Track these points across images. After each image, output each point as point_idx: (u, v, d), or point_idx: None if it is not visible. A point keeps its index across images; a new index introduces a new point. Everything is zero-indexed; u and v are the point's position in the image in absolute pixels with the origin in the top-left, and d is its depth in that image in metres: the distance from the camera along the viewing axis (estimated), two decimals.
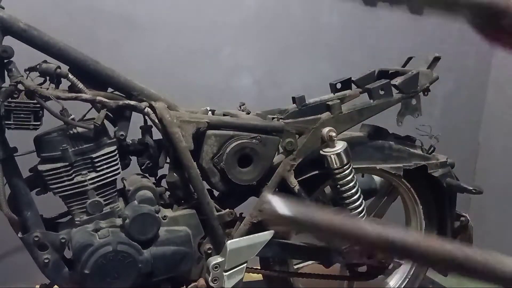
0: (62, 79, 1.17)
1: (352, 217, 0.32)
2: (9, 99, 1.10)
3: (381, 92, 1.36)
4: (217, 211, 1.29)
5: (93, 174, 1.18)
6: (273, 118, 1.36)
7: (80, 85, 1.17)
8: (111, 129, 1.24)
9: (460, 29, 2.25)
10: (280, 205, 0.31)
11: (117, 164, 1.21)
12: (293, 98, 1.37)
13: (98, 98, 1.17)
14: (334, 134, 1.31)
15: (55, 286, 1.25)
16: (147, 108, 1.22)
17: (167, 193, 1.33)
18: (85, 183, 1.17)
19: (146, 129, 1.28)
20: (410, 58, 1.50)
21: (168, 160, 1.29)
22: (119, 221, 1.21)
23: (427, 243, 0.33)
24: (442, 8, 0.37)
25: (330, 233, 0.32)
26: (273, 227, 0.28)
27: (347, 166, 1.31)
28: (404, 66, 1.50)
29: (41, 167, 1.15)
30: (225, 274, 1.27)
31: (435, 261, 0.34)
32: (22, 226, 1.18)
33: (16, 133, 1.12)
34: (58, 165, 1.15)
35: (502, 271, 0.33)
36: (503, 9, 0.36)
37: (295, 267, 1.53)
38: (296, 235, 1.45)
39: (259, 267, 1.46)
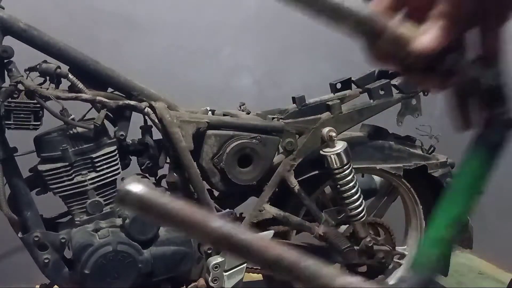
0: (62, 79, 1.18)
1: (204, 212, 0.35)
2: (9, 99, 1.10)
3: (381, 92, 1.36)
4: (217, 211, 1.29)
5: (93, 174, 1.18)
6: (273, 118, 1.36)
7: (80, 85, 1.17)
8: (111, 129, 1.24)
9: None
10: (136, 186, 0.32)
11: (117, 164, 1.21)
12: (293, 98, 1.37)
13: (98, 98, 1.17)
14: (334, 134, 1.31)
15: (55, 286, 1.25)
16: (147, 108, 1.22)
17: (167, 193, 1.33)
18: (85, 183, 1.17)
19: (146, 129, 1.28)
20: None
21: (168, 160, 1.29)
22: (119, 221, 1.21)
23: (265, 247, 0.35)
24: (328, 17, 0.38)
25: (176, 222, 0.34)
26: (125, 207, 0.30)
27: (347, 166, 1.31)
28: None
29: (41, 167, 1.15)
30: (225, 274, 1.27)
31: (268, 266, 0.36)
32: (22, 226, 1.18)
33: (16, 133, 1.12)
34: (58, 165, 1.15)
35: (317, 278, 0.36)
36: (379, 27, 0.37)
37: None
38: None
39: (259, 267, 1.46)
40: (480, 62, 0.39)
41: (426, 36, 0.37)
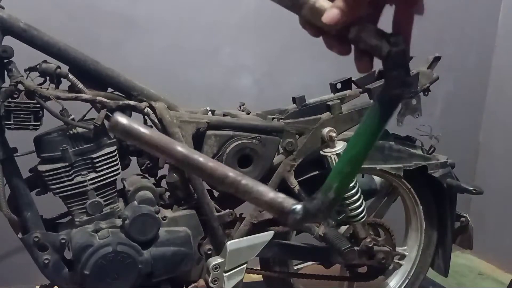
0: (62, 79, 1.17)
1: (171, 139, 0.48)
2: (9, 99, 1.09)
3: None
4: (217, 211, 1.29)
5: (93, 175, 1.18)
6: (273, 118, 1.36)
7: (80, 85, 1.17)
8: None
9: (460, 29, 2.25)
10: (122, 118, 0.43)
11: (117, 164, 1.21)
12: (293, 98, 1.37)
13: (98, 98, 1.17)
14: (334, 134, 1.31)
15: (55, 286, 1.25)
16: (147, 108, 1.22)
17: (167, 193, 1.32)
18: (85, 184, 1.17)
19: None
20: (410, 58, 1.50)
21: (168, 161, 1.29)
22: (119, 222, 1.21)
23: (215, 167, 0.47)
24: None
25: (149, 145, 0.45)
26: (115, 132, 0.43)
27: None
28: None
29: (41, 168, 1.15)
30: (225, 274, 1.26)
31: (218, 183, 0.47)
32: (22, 226, 1.18)
33: (16, 133, 1.12)
34: (58, 165, 1.15)
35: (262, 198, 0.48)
36: (301, 0, 0.46)
37: (295, 267, 1.53)
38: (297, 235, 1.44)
39: (259, 268, 1.46)
40: (384, 33, 0.47)
41: (329, 13, 0.45)
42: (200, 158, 0.46)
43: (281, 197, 0.49)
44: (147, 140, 0.44)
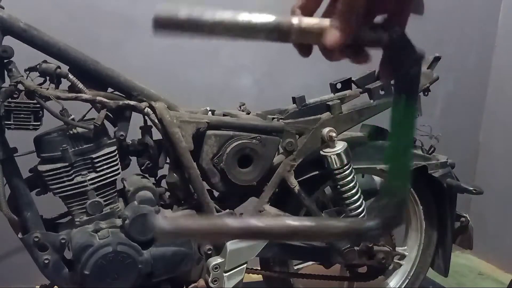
0: (62, 79, 1.17)
1: (217, 218, 0.47)
2: (9, 99, 1.10)
3: (381, 92, 1.36)
4: (217, 211, 1.29)
5: (93, 175, 1.18)
6: (273, 118, 1.36)
7: (80, 85, 1.17)
8: (111, 129, 1.24)
9: (460, 29, 2.25)
10: (164, 222, 0.42)
11: (117, 164, 1.21)
12: (293, 98, 1.37)
13: (98, 98, 1.17)
14: (334, 134, 1.31)
15: (55, 286, 1.25)
16: (147, 108, 1.22)
17: (167, 193, 1.32)
18: (85, 184, 1.17)
19: (146, 129, 1.28)
20: None
21: (168, 161, 1.29)
22: (119, 222, 1.21)
23: (279, 225, 0.44)
24: (243, 36, 0.46)
25: (203, 235, 0.44)
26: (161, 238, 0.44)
27: (347, 166, 1.31)
28: None
29: (41, 168, 1.15)
30: (225, 275, 1.26)
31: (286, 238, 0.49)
32: (22, 226, 1.18)
33: (16, 133, 1.12)
34: (58, 165, 1.15)
35: (334, 230, 0.46)
36: (286, 28, 0.45)
37: (295, 267, 1.53)
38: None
39: (259, 268, 1.45)
40: (377, 25, 0.46)
41: (330, 36, 0.44)
42: (257, 222, 0.44)
43: (350, 221, 0.49)
44: (198, 231, 0.42)
